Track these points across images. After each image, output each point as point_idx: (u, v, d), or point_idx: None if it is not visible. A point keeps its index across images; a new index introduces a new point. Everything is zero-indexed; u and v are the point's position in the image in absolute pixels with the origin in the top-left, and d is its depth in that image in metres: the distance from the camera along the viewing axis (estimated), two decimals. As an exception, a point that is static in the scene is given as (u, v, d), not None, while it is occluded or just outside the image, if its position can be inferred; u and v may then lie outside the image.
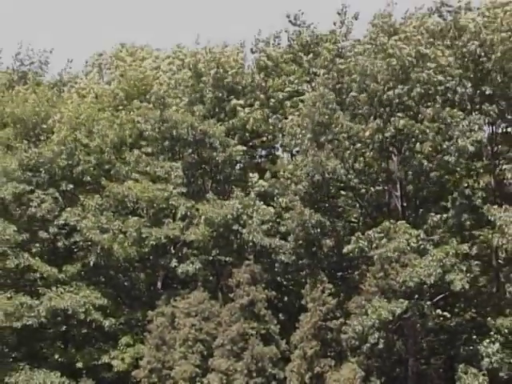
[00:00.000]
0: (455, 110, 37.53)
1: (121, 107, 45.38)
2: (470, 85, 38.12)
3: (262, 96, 43.62)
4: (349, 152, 39.20)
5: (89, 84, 47.93)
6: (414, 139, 37.84)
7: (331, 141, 39.28)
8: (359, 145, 39.19)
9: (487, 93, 38.05)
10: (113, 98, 46.10)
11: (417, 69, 37.58)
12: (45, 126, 44.65)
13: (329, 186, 39.99)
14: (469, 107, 38.69)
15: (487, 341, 37.05)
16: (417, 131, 37.35)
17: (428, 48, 37.94)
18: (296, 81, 44.54)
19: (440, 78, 37.52)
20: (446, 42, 38.74)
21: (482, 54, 37.93)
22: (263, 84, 43.82)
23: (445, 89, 37.70)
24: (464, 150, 37.07)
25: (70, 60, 52.07)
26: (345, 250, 38.13)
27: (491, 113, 38.03)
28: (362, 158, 39.60)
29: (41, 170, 43.84)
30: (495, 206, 37.08)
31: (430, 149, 37.55)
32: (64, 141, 43.49)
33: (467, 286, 36.36)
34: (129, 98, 45.35)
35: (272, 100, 43.53)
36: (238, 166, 44.37)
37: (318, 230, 39.38)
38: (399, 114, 37.79)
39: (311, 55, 45.06)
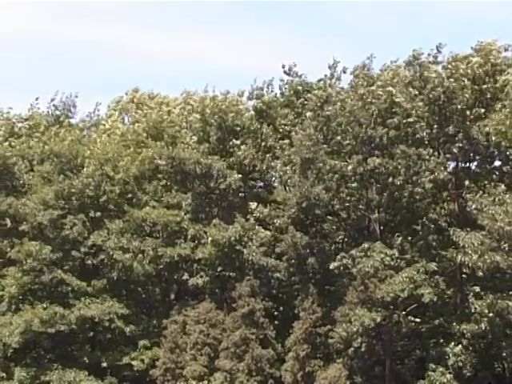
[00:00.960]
0: (421, 149, 37.94)
1: (142, 144, 45.49)
2: (435, 126, 38.46)
3: (256, 136, 43.77)
4: (332, 183, 39.47)
5: (112, 125, 48.13)
6: (388, 173, 38.25)
7: (317, 174, 39.62)
8: (342, 178, 39.41)
9: (450, 133, 38.45)
10: (136, 136, 46.27)
11: (391, 115, 38.09)
12: (76, 162, 44.72)
13: (315, 210, 40.16)
14: (436, 145, 39.09)
15: (452, 344, 37.25)
16: (390, 167, 37.83)
17: (400, 95, 38.32)
18: (289, 122, 44.64)
19: (410, 120, 37.97)
20: (414, 90, 39.03)
21: (445, 99, 38.23)
22: (258, 126, 43.79)
23: (413, 130, 38.19)
24: (426, 186, 37.62)
25: (98, 103, 52.17)
26: (331, 267, 38.41)
27: (454, 151, 38.46)
28: (344, 188, 39.83)
29: (72, 198, 43.89)
30: (459, 229, 37.39)
31: (402, 182, 38.01)
32: (92, 174, 43.64)
33: (435, 299, 36.79)
34: (149, 136, 45.49)
35: (263, 143, 43.63)
36: (240, 195, 44.30)
37: (308, 251, 39.67)
38: (376, 152, 38.19)
39: (302, 99, 45.02)
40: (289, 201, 40.95)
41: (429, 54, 39.13)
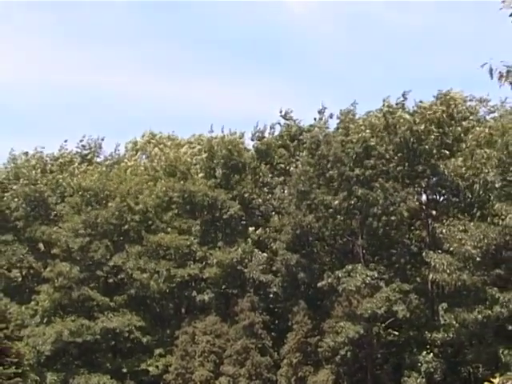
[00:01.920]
0: (396, 183, 38.75)
1: (159, 179, 45.78)
2: (406, 164, 39.20)
3: (255, 173, 44.31)
4: (322, 214, 40.16)
5: (134, 164, 48.74)
6: (368, 204, 39.01)
7: (310, 205, 40.33)
8: (331, 210, 40.20)
9: (419, 170, 39.23)
10: (154, 172, 46.75)
11: (367, 156, 39.04)
12: (102, 195, 44.91)
13: (308, 237, 40.86)
14: (408, 180, 39.89)
15: (424, 352, 37.78)
16: (371, 198, 38.62)
17: (374, 140, 39.17)
18: (285, 161, 45.09)
19: (383, 160, 38.84)
20: (387, 134, 39.73)
21: (415, 140, 38.99)
22: (257, 164, 44.33)
23: (387, 169, 39.07)
24: (402, 214, 38.38)
25: (117, 144, 52.86)
26: (319, 285, 38.91)
27: (423, 185, 39.25)
28: (332, 219, 40.54)
29: (98, 226, 44.14)
30: (431, 252, 38.12)
31: (380, 211, 38.75)
32: (117, 206, 43.76)
33: (408, 315, 37.35)
34: (165, 172, 45.98)
35: (261, 179, 44.26)
36: (241, 223, 44.42)
37: (299, 268, 40.25)
38: (359, 185, 38.96)
39: (296, 142, 45.59)
40: (284, 227, 41.58)
41: (397, 104, 39.99)
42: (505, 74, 21.88)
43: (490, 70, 14.17)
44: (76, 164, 47.75)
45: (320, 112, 45.32)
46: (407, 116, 39.04)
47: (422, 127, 38.57)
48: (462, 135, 39.51)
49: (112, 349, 44.49)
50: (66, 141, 49.56)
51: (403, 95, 39.93)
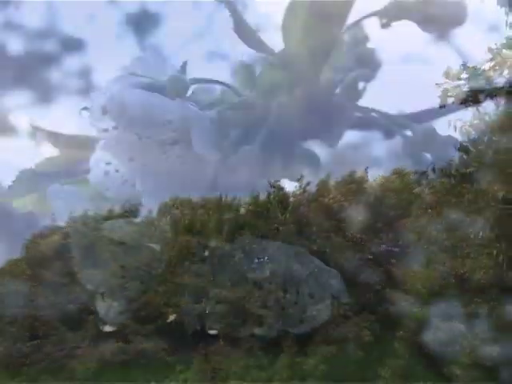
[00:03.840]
0: (363, 235, 43.16)
1: (180, 234, 50.41)
2: (371, 221, 43.72)
3: (254, 228, 48.66)
4: (303, 260, 44.44)
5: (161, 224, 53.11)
6: (341, 249, 43.29)
7: (294, 254, 44.62)
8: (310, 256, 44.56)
9: (380, 226, 43.75)
10: (176, 229, 51.25)
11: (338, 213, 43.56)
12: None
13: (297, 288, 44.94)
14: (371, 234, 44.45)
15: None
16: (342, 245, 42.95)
17: (345, 201, 43.84)
18: (275, 220, 49.47)
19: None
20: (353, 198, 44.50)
21: (377, 203, 43.46)
22: (254, 222, 48.73)
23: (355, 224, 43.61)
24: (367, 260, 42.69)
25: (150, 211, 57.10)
26: (303, 316, 43.12)
27: (383, 238, 43.69)
28: (312, 263, 44.76)
29: (131, 271, 48.46)
30: (389, 290, 42.32)
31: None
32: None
33: (373, 339, 41.30)
34: (185, 229, 50.42)
35: (257, 234, 48.45)
36: (244, 268, 49.08)
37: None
38: (331, 234, 43.39)
39: (282, 205, 50.00)
40: (276, 271, 45.73)
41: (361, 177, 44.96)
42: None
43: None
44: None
45: (298, 180, 50.08)
46: (372, 186, 43.90)
47: (383, 194, 43.29)
48: (412, 199, 44.21)
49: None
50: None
51: (365, 170, 44.98)
